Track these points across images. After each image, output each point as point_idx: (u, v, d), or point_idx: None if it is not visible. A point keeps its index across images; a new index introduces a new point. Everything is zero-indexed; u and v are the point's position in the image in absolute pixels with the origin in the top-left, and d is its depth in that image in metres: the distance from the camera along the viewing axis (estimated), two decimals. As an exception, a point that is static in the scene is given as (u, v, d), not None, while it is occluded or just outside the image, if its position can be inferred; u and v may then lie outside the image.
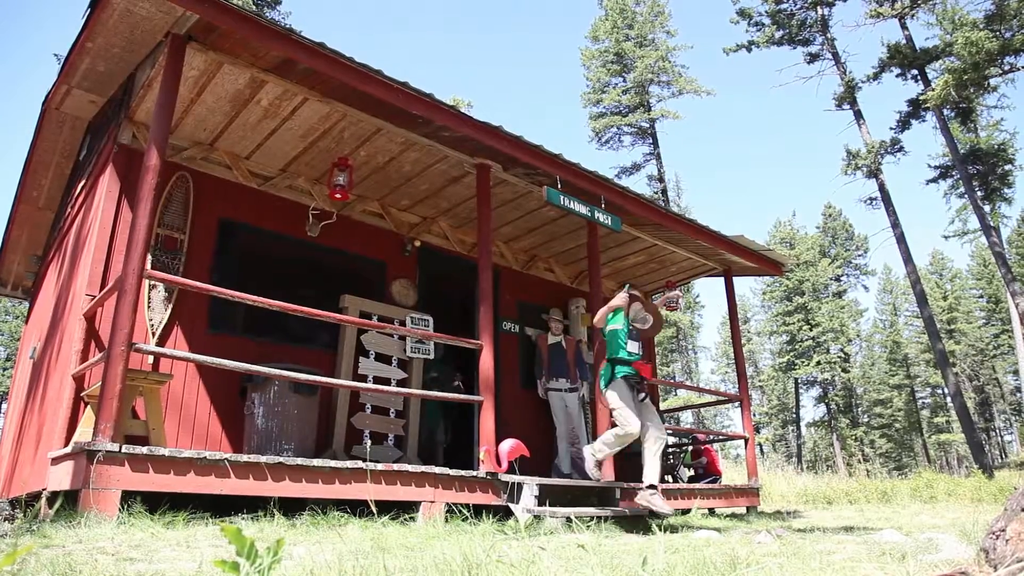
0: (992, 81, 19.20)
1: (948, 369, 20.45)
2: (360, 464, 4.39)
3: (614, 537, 3.90)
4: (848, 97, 23.13)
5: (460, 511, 4.40)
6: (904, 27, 22.19)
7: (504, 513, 4.98)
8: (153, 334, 5.19)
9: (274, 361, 5.38)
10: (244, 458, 3.91)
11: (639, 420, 4.84)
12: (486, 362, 5.44)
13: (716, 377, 54.27)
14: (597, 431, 6.20)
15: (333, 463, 4.25)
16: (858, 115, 23.30)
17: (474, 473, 5.03)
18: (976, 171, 22.88)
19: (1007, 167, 23.08)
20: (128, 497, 3.46)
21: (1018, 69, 18.37)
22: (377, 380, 6.34)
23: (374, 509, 3.59)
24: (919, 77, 21.88)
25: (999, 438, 50.63)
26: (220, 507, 3.89)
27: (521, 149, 5.70)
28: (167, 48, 4.36)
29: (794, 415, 47.11)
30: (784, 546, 3.01)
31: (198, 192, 5.74)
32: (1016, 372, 41.38)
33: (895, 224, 21.69)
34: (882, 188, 22.41)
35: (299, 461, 4.10)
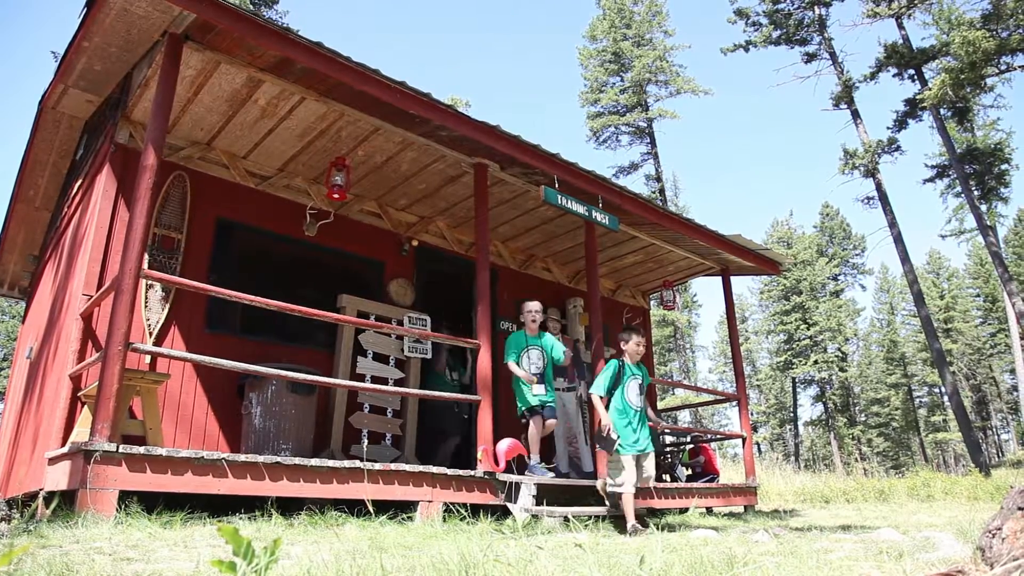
0: (989, 81, 19.25)
1: (945, 368, 20.50)
2: (358, 464, 4.38)
3: (612, 536, 3.91)
4: (845, 97, 23.17)
5: (458, 511, 4.41)
6: (901, 27, 22.24)
7: (502, 512, 4.99)
8: (150, 334, 5.18)
9: (272, 361, 5.37)
10: (241, 458, 3.91)
11: None
12: (484, 362, 5.44)
13: (714, 376, 54.36)
14: (595, 431, 6.21)
15: (331, 463, 4.25)
16: (855, 115, 23.35)
17: (472, 473, 5.03)
18: (973, 170, 22.95)
19: (1003, 166, 23.17)
20: (125, 497, 3.46)
21: (1015, 69, 18.42)
22: (375, 380, 6.33)
23: (371, 509, 3.59)
24: (916, 77, 21.94)
25: (996, 437, 50.77)
26: (218, 507, 3.89)
27: (519, 148, 5.70)
28: (164, 47, 4.35)
29: (791, 414, 47.20)
30: (781, 545, 3.01)
31: (195, 191, 5.73)
32: (1013, 371, 41.46)
33: (892, 223, 21.73)
34: (879, 187, 22.46)
35: (296, 461, 4.09)
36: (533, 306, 6.19)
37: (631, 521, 4.81)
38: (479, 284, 5.69)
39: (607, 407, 5.16)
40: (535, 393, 5.90)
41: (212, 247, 5.76)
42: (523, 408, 5.96)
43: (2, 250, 8.72)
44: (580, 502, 5.45)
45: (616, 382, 5.19)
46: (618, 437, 4.95)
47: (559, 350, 6.17)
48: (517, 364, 5.98)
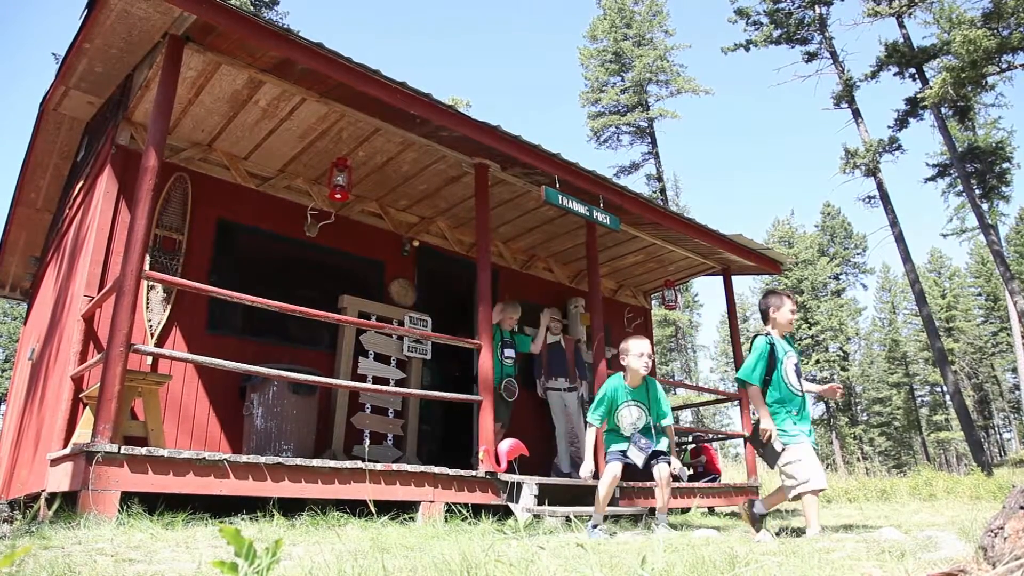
0: (990, 79, 19.24)
1: (947, 367, 20.47)
2: (359, 464, 4.38)
3: (613, 536, 3.91)
4: (846, 96, 23.17)
5: (459, 511, 4.40)
6: (902, 25, 22.23)
7: (504, 513, 4.98)
8: (152, 335, 5.19)
9: (273, 361, 5.38)
10: (243, 458, 3.91)
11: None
12: (485, 362, 5.44)
13: (715, 376, 54.33)
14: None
15: (332, 463, 4.25)
16: (856, 114, 23.34)
17: (473, 473, 5.03)
18: (974, 169, 22.94)
19: (1005, 165, 23.17)
20: (127, 498, 3.46)
21: (1016, 67, 18.40)
22: (376, 380, 6.34)
23: (373, 509, 3.58)
24: (917, 75, 21.92)
25: (998, 436, 50.71)
26: (219, 508, 3.89)
27: (519, 149, 5.70)
28: (165, 49, 4.36)
29: (793, 414, 47.08)
30: (783, 544, 3.01)
31: (196, 193, 5.74)
32: (1014, 370, 41.42)
33: (894, 223, 21.72)
34: (880, 187, 22.45)
35: (298, 461, 4.10)
36: (644, 347, 4.42)
37: (815, 527, 3.72)
38: (480, 284, 5.69)
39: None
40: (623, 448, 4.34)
41: (213, 248, 5.76)
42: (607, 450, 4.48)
43: (4, 252, 8.73)
44: (582, 502, 5.45)
45: (771, 365, 4.08)
46: (783, 446, 3.92)
47: (666, 405, 4.49)
48: (599, 422, 4.47)
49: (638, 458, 4.28)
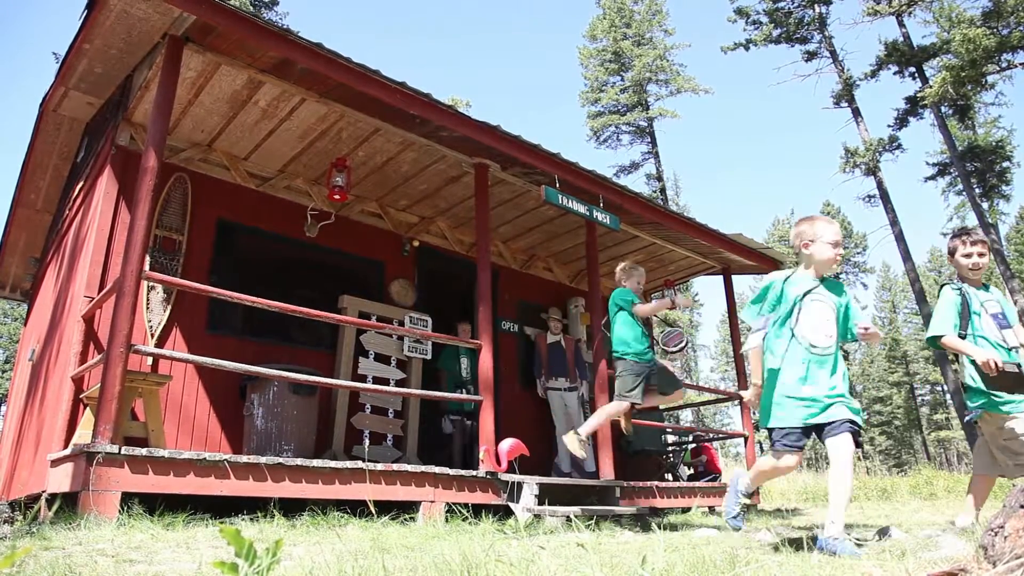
0: (990, 78, 19.24)
1: (947, 366, 20.47)
2: (360, 464, 4.38)
3: (614, 536, 3.90)
4: (846, 95, 23.18)
5: (460, 511, 4.40)
6: (901, 24, 22.24)
7: (504, 512, 4.98)
8: (152, 335, 5.19)
9: (273, 362, 5.38)
10: (244, 459, 3.91)
11: None
12: (485, 362, 5.43)
13: (716, 375, 54.31)
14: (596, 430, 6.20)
15: (333, 463, 4.25)
16: (856, 113, 23.34)
17: (474, 473, 5.03)
18: (974, 168, 22.95)
19: (1005, 164, 23.19)
20: (127, 499, 3.46)
21: (1016, 66, 18.40)
22: (376, 380, 6.33)
23: (373, 509, 3.58)
24: (917, 74, 21.93)
25: (998, 435, 50.65)
26: (220, 508, 3.89)
27: (519, 148, 5.70)
28: (164, 49, 4.36)
29: (794, 413, 47.10)
30: (783, 544, 3.01)
31: (196, 193, 5.74)
32: (1015, 369, 41.33)
33: (894, 222, 21.72)
34: (880, 186, 22.45)
35: (299, 462, 4.10)
36: (838, 234, 2.97)
37: None
38: (480, 284, 5.69)
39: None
40: (805, 395, 2.77)
41: (213, 248, 5.76)
42: (767, 424, 2.94)
43: (4, 253, 8.73)
44: (582, 501, 5.45)
45: (964, 319, 3.40)
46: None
47: (857, 311, 3.00)
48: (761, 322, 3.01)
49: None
